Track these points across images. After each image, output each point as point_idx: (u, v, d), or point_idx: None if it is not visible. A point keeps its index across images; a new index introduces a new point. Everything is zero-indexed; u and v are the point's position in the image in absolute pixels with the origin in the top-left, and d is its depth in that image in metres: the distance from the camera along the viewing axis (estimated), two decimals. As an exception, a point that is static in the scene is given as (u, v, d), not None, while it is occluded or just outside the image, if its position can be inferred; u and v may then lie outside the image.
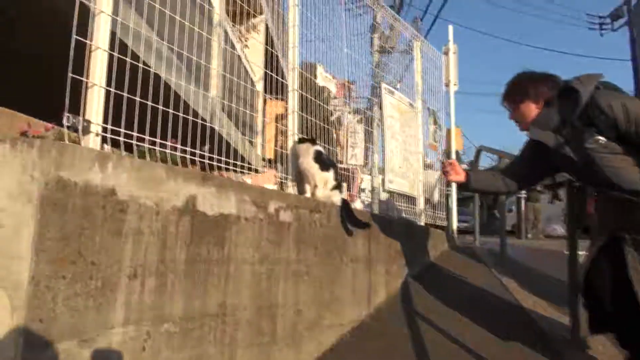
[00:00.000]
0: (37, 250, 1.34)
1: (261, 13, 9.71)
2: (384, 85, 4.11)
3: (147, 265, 1.66)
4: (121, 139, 1.86)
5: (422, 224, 4.71)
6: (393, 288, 3.50)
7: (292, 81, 2.94)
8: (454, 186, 5.59)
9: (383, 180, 3.93)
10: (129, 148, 1.96)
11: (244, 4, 3.51)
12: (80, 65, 1.72)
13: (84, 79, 1.72)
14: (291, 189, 2.94)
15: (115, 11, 2.01)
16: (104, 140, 1.81)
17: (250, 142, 9.04)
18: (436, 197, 5.12)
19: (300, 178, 2.84)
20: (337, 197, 2.82)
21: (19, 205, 1.36)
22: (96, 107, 1.74)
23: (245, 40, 9.14)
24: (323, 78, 3.20)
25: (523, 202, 9.05)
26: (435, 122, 5.20)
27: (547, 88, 2.21)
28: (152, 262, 1.68)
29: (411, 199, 4.57)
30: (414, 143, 4.59)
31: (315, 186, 2.75)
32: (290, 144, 2.94)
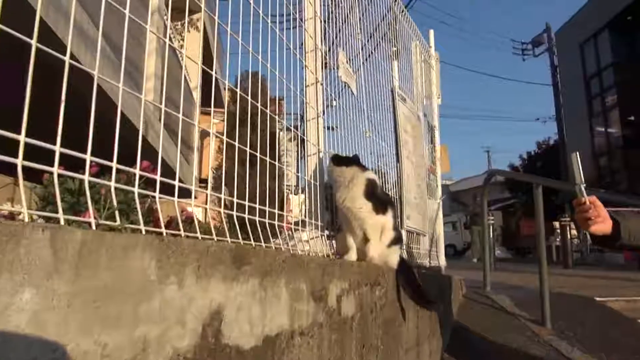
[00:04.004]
0: None
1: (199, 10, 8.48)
2: (397, 90, 3.18)
3: None
4: (18, 161, 0.69)
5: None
6: (434, 373, 2.51)
7: (315, 66, 1.87)
8: (440, 215, 4.79)
9: (400, 216, 2.98)
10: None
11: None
12: None
13: None
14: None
15: None
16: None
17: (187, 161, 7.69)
18: (439, 231, 4.25)
19: (340, 224, 1.77)
20: (394, 257, 1.78)
21: None
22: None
23: (182, 40, 7.86)
24: (345, 72, 2.17)
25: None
26: (432, 140, 4.37)
27: None
28: None
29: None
30: (422, 166, 3.70)
31: (366, 239, 1.69)
32: (307, 164, 1.86)
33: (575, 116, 18.48)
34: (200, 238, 0.97)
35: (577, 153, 1.64)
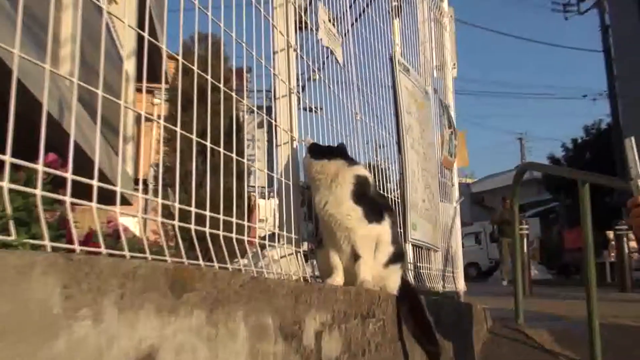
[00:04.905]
0: None
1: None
2: (398, 58, 3.20)
3: None
4: None
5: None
6: None
7: (286, 26, 1.87)
8: (458, 224, 4.84)
9: (403, 225, 2.99)
10: None
11: None
12: None
13: None
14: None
15: None
16: None
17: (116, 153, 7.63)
18: (456, 245, 4.30)
19: (321, 237, 1.77)
20: (394, 280, 1.80)
21: None
22: None
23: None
24: (326, 33, 2.18)
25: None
26: (450, 124, 4.40)
27: None
28: None
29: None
30: (433, 158, 3.73)
31: (356, 257, 1.70)
32: (281, 155, 1.86)
33: (634, 92, 18.79)
34: (128, 257, 0.96)
35: (633, 138, 1.67)
